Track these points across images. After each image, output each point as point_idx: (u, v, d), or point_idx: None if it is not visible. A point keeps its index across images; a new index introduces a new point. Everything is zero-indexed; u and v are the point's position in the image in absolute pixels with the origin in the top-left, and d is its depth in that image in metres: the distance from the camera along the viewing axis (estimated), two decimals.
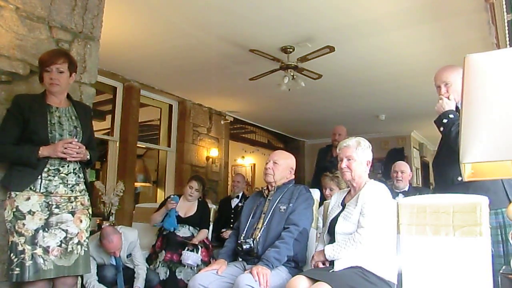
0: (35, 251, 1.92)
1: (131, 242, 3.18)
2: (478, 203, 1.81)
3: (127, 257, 3.18)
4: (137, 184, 6.77)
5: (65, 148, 2.01)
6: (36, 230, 1.94)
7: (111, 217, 4.46)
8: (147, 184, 7.28)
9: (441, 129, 2.06)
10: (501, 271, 1.40)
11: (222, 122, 7.28)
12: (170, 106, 6.54)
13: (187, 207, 3.78)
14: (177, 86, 5.91)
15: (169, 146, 6.49)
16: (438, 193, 2.06)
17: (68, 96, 2.22)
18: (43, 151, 1.99)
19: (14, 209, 1.94)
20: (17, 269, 1.88)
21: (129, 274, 3.14)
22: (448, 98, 2.11)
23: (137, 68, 5.07)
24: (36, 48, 2.32)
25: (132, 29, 3.99)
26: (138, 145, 5.86)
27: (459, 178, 1.97)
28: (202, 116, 6.85)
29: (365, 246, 1.91)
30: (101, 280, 2.96)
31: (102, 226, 3.74)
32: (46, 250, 1.95)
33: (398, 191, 3.70)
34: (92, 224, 3.00)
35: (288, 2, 3.45)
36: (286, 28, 3.92)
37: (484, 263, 1.74)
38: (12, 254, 1.90)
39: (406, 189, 3.77)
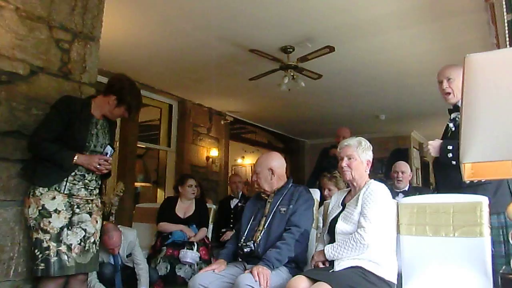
0: (59, 248, 2.02)
1: (130, 241, 3.18)
2: (478, 203, 1.81)
3: (127, 256, 3.19)
4: (137, 184, 6.76)
5: (99, 165, 2.13)
6: (61, 228, 2.05)
7: (111, 217, 4.46)
8: (147, 184, 7.27)
9: (453, 162, 2.05)
10: (501, 271, 1.40)
11: (222, 122, 7.27)
12: (170, 106, 6.53)
13: (185, 207, 3.83)
14: (177, 86, 5.90)
15: (169, 146, 6.49)
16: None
17: None
18: (78, 160, 2.10)
19: (40, 207, 2.02)
20: (42, 264, 1.98)
21: (128, 274, 3.13)
22: (450, 93, 2.18)
23: (137, 68, 5.07)
24: (36, 48, 2.31)
25: (132, 29, 3.99)
26: (138, 145, 5.86)
27: (467, 182, 1.99)
28: (202, 116, 6.85)
29: (365, 246, 1.91)
30: (99, 276, 2.96)
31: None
32: (69, 248, 2.05)
33: (398, 191, 3.69)
34: None
35: (288, 2, 3.45)
36: (286, 28, 3.92)
37: (484, 263, 1.74)
38: (36, 250, 2.00)
39: (406, 189, 3.77)
